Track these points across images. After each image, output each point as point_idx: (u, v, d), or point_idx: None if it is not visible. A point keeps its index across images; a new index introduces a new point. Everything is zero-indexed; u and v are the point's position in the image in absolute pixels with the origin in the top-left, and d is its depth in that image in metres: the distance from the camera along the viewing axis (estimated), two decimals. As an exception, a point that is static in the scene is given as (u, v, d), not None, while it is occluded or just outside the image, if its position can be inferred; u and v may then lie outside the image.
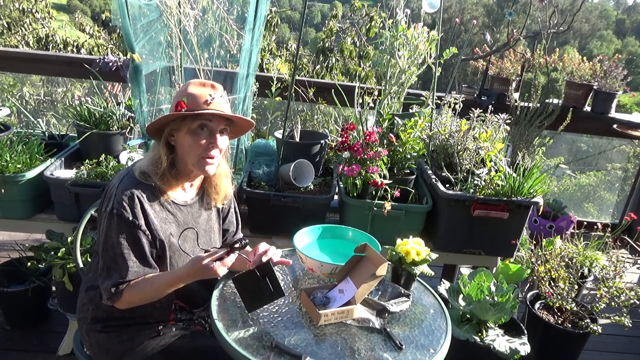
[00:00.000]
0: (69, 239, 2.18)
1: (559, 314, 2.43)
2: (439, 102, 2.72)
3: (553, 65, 3.56)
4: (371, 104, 2.68)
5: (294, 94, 2.84)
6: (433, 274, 1.67)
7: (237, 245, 1.35)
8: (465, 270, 2.39)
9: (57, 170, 2.28)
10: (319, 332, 1.35)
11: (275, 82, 2.72)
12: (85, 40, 7.14)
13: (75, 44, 6.78)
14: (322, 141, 2.54)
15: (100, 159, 2.28)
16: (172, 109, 1.43)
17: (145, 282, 1.39)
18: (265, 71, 4.26)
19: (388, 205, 2.20)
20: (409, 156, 2.40)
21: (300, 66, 5.63)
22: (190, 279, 1.38)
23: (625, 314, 2.21)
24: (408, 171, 2.44)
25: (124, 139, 2.46)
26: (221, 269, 1.33)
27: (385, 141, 2.40)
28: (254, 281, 1.36)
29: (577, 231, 2.65)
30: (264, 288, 1.36)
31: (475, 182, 2.29)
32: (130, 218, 1.37)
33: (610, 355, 2.73)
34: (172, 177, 1.46)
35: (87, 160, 2.32)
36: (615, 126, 3.49)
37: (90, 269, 1.60)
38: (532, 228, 3.26)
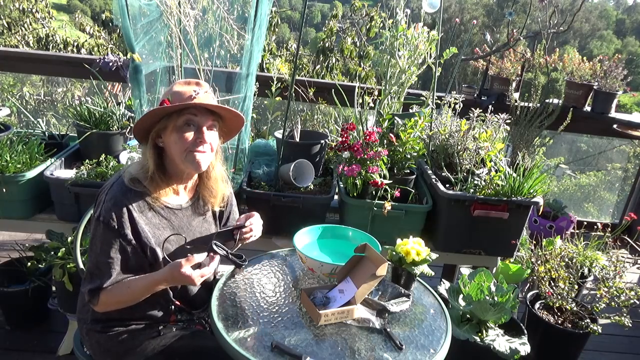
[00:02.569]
0: (69, 239, 2.18)
1: (559, 314, 2.43)
2: (439, 102, 2.72)
3: (553, 65, 3.56)
4: (371, 104, 2.68)
5: (294, 94, 2.84)
6: (433, 274, 1.67)
7: (222, 253, 1.36)
8: (465, 270, 2.39)
9: (57, 170, 2.27)
10: (319, 332, 1.35)
11: (275, 82, 2.72)
12: (86, 40, 7.14)
13: (76, 44, 6.78)
14: (322, 141, 2.54)
15: (100, 159, 2.27)
16: None
17: (122, 286, 1.38)
18: (265, 71, 4.26)
19: (388, 205, 2.20)
20: (409, 156, 2.40)
21: (300, 66, 5.63)
22: (167, 283, 1.38)
23: (625, 314, 2.21)
24: (408, 171, 2.44)
25: (124, 139, 2.46)
26: (198, 279, 1.32)
27: (385, 141, 2.40)
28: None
29: (577, 231, 2.65)
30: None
31: (475, 182, 2.29)
32: (116, 227, 1.35)
33: (610, 355, 2.73)
34: (162, 181, 1.44)
35: (87, 160, 2.32)
36: (615, 126, 3.49)
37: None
38: (532, 228, 3.26)
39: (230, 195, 1.70)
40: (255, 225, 1.59)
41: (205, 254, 1.36)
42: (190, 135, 1.39)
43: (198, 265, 1.34)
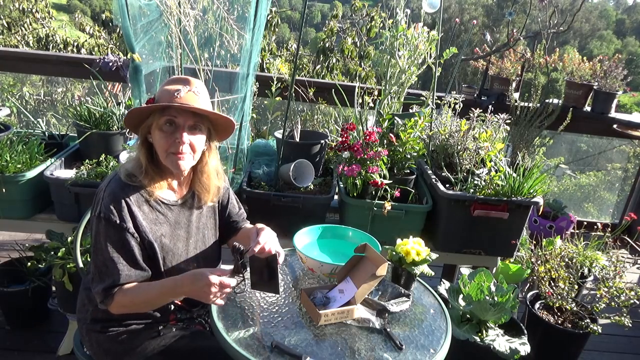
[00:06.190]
0: (69, 239, 2.18)
1: (559, 314, 2.43)
2: (439, 102, 2.72)
3: (553, 65, 3.56)
4: (371, 104, 2.68)
5: (294, 94, 2.84)
6: (433, 274, 1.67)
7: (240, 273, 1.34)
8: (465, 270, 2.39)
9: (57, 170, 2.27)
10: (319, 332, 1.35)
11: (275, 82, 2.72)
12: (85, 40, 7.15)
13: (76, 44, 6.78)
14: (322, 141, 2.54)
15: (100, 159, 2.27)
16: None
17: (138, 288, 1.37)
18: (266, 71, 4.26)
19: (388, 205, 2.20)
20: (409, 156, 2.40)
21: (300, 66, 5.63)
22: (186, 290, 1.34)
23: (625, 314, 2.21)
24: (408, 171, 2.44)
25: (124, 139, 2.46)
26: (216, 296, 1.30)
27: (385, 141, 2.40)
28: (261, 265, 1.39)
29: (577, 231, 2.66)
30: (265, 275, 1.39)
31: (475, 182, 2.29)
32: (118, 222, 1.35)
33: (610, 355, 2.73)
34: (155, 175, 1.43)
35: (87, 160, 2.32)
36: (615, 126, 3.49)
37: (90, 269, 1.60)
38: (532, 228, 3.26)
39: (227, 188, 1.68)
40: (269, 242, 1.44)
41: (234, 275, 1.32)
42: (169, 135, 1.39)
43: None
